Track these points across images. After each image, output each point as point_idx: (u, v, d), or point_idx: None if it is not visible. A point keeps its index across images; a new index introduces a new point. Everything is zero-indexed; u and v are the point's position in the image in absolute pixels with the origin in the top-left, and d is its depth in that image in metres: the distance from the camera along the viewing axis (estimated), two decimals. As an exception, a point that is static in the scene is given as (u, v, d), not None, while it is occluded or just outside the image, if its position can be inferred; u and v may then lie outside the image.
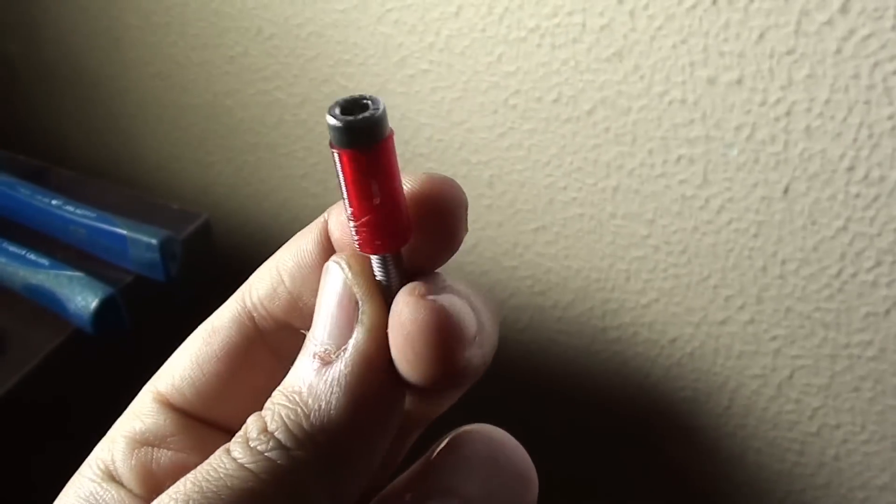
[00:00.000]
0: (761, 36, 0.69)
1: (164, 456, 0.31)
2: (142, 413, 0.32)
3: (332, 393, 0.27)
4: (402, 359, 0.27)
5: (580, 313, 0.92)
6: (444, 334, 0.26)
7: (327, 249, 0.31)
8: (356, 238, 0.27)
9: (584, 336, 0.94)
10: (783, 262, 0.78)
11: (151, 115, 1.08)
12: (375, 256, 0.28)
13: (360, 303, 0.28)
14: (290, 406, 0.28)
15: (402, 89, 0.88)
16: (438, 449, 0.34)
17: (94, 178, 0.94)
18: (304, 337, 0.31)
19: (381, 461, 0.29)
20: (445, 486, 0.30)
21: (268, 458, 0.27)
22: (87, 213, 0.80)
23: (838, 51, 0.67)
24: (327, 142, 0.26)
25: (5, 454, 0.71)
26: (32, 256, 0.77)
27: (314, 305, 0.30)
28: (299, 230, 0.32)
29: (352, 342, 0.28)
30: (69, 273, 0.74)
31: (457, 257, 0.90)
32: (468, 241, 0.92)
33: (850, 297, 0.77)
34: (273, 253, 0.33)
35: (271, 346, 0.33)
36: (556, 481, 1.08)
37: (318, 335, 0.28)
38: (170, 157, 1.10)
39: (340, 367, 0.27)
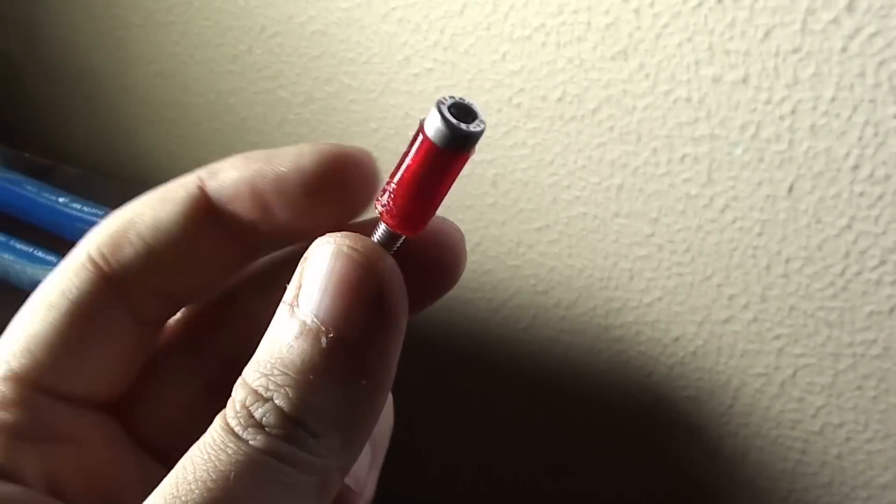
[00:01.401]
0: (767, 34, 0.69)
1: (62, 453, 0.29)
2: (6, 402, 0.29)
3: (351, 374, 0.26)
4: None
5: (583, 312, 0.92)
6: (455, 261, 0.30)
7: (203, 215, 0.30)
8: (389, 209, 0.28)
9: (587, 335, 0.94)
10: (787, 261, 0.78)
11: (154, 113, 1.08)
12: (385, 231, 0.29)
13: (391, 297, 0.27)
14: (306, 389, 0.26)
15: (406, 88, 0.88)
16: None
17: (100, 176, 0.94)
18: (165, 300, 0.31)
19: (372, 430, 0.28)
20: None
21: (290, 442, 0.25)
22: (95, 210, 0.80)
23: (844, 49, 0.67)
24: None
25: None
26: (40, 254, 0.76)
27: (184, 272, 0.30)
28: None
29: (379, 332, 0.27)
30: (77, 270, 0.74)
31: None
32: (471, 239, 0.92)
33: (854, 296, 0.77)
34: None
35: (130, 308, 0.31)
36: (557, 479, 1.08)
37: (307, 306, 0.26)
38: (172, 156, 1.10)
39: (364, 354, 0.26)
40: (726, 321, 0.85)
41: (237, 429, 0.25)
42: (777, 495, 0.93)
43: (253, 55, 0.95)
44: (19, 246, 0.78)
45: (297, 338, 0.26)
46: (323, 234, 0.28)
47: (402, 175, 0.28)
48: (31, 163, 0.93)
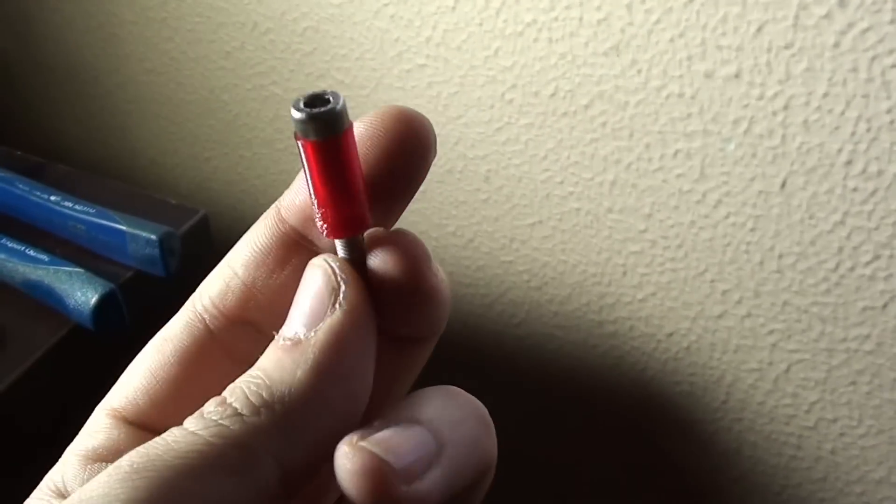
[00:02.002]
0: (759, 30, 0.69)
1: None
2: (94, 430, 0.31)
3: (298, 367, 0.27)
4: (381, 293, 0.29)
5: (576, 308, 0.92)
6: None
7: (280, 235, 0.31)
8: (323, 224, 0.29)
9: (580, 331, 0.94)
10: (780, 257, 0.78)
11: (147, 110, 1.08)
12: (340, 242, 0.29)
13: (340, 286, 0.28)
14: (252, 380, 0.28)
15: (398, 84, 0.87)
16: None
17: (92, 174, 0.94)
18: (260, 335, 0.31)
19: (346, 431, 0.28)
20: (408, 416, 0.28)
21: (220, 424, 0.26)
22: (86, 208, 0.80)
23: (836, 45, 0.67)
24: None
25: (5, 449, 0.71)
26: (32, 252, 0.76)
27: (269, 293, 0.31)
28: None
29: (326, 321, 0.28)
30: (69, 269, 0.74)
31: (453, 251, 0.91)
32: (465, 235, 0.92)
33: (847, 292, 0.77)
34: None
35: (225, 347, 0.32)
36: (552, 474, 1.08)
37: (291, 325, 0.28)
38: (165, 152, 1.10)
39: (311, 345, 0.27)
40: (720, 317, 0.85)
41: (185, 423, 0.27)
42: (771, 490, 0.93)
43: (245, 52, 0.95)
44: (11, 244, 0.77)
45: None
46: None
47: (314, 190, 0.28)
48: (23, 161, 0.93)
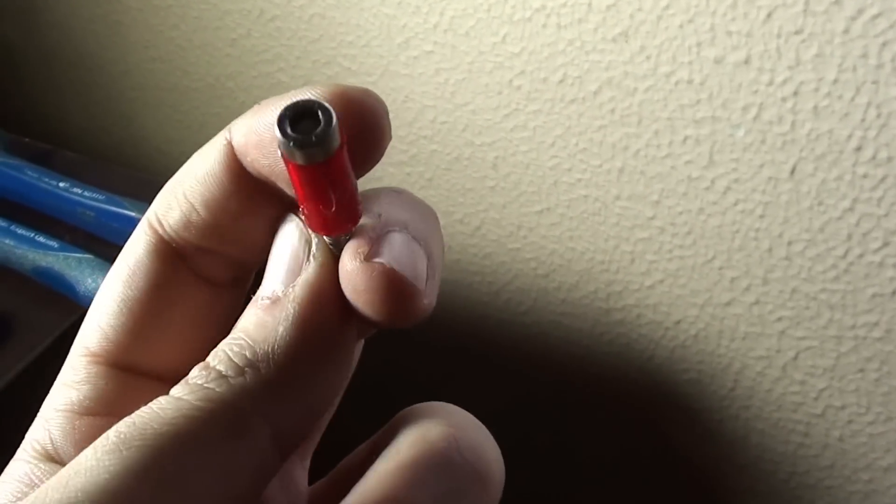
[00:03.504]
0: (769, 15, 0.69)
1: (111, 424, 0.26)
2: (76, 380, 0.30)
3: (279, 324, 0.27)
4: (361, 308, 0.27)
5: (584, 295, 0.92)
6: (399, 293, 0.27)
7: (235, 170, 0.29)
8: (307, 220, 0.28)
9: (587, 318, 0.94)
10: (789, 244, 0.78)
11: (152, 98, 1.08)
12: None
13: (312, 243, 0.28)
14: (234, 342, 0.27)
15: (405, 71, 0.87)
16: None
17: (101, 161, 0.94)
18: (227, 259, 0.31)
19: (332, 397, 0.28)
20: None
21: (205, 388, 0.26)
22: (95, 195, 0.80)
23: (847, 30, 0.67)
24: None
25: (16, 436, 0.71)
26: (41, 239, 0.76)
27: (234, 230, 0.30)
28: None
29: (302, 276, 0.27)
30: (78, 255, 0.74)
31: (460, 239, 0.91)
32: (472, 222, 0.92)
33: (856, 279, 0.77)
34: None
35: (196, 270, 0.30)
36: (558, 464, 1.08)
37: (269, 284, 0.28)
38: (171, 140, 1.10)
39: (289, 300, 0.27)
40: (728, 304, 0.85)
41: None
42: (778, 478, 0.93)
43: (252, 39, 0.95)
44: (20, 231, 0.77)
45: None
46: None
47: (303, 203, 0.27)
48: (31, 148, 0.93)
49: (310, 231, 0.28)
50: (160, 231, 0.30)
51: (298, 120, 0.25)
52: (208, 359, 0.27)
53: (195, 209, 0.30)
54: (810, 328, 0.82)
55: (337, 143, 0.25)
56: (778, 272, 0.80)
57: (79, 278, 0.73)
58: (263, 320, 0.27)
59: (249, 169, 0.29)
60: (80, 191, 0.80)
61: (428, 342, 1.03)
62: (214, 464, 0.25)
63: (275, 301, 0.27)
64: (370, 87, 0.81)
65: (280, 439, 0.26)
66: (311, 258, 0.28)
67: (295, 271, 0.28)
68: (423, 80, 0.87)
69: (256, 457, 0.26)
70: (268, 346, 0.26)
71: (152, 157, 1.13)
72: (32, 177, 0.83)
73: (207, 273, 0.31)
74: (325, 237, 0.28)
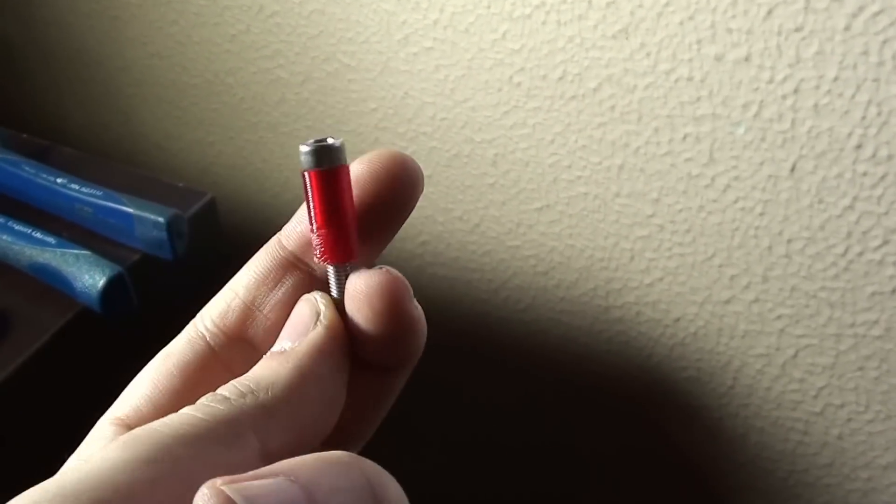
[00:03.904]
0: (769, 13, 0.69)
1: None
2: (97, 439, 0.33)
3: (282, 367, 0.32)
4: (362, 319, 0.33)
5: (583, 293, 0.92)
6: (396, 290, 0.33)
7: (280, 259, 0.35)
8: (319, 249, 0.34)
9: (587, 316, 0.93)
10: (789, 241, 0.78)
11: (151, 94, 1.08)
12: (331, 268, 0.34)
13: (321, 309, 0.34)
14: (243, 378, 0.32)
15: (405, 67, 0.87)
16: None
17: (99, 157, 0.94)
18: (257, 351, 0.35)
19: (321, 428, 0.32)
20: (282, 469, 0.29)
21: (209, 406, 0.30)
22: (93, 191, 0.80)
23: (847, 28, 0.67)
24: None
25: (13, 432, 0.71)
26: (39, 235, 0.76)
27: (267, 310, 0.35)
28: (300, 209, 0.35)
29: (309, 335, 0.33)
30: (76, 251, 0.74)
31: (459, 236, 0.90)
32: (471, 220, 0.91)
33: (856, 277, 0.77)
34: (275, 231, 0.36)
35: (223, 362, 0.35)
36: (557, 459, 1.08)
37: (280, 343, 0.34)
38: (170, 136, 1.10)
39: (295, 351, 0.32)
40: (727, 302, 0.84)
41: None
42: (777, 476, 0.93)
43: (251, 35, 0.95)
44: (18, 227, 0.77)
45: None
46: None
47: (314, 215, 0.33)
48: (28, 143, 0.92)
49: (320, 298, 0.34)
50: (199, 325, 0.35)
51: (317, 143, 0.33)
52: (218, 389, 0.31)
53: (237, 294, 0.35)
54: (810, 326, 0.82)
55: (342, 160, 0.33)
56: (777, 270, 0.80)
57: (76, 274, 0.72)
58: (270, 365, 0.32)
59: (290, 255, 0.36)
60: (77, 187, 0.80)
61: (427, 340, 1.02)
62: (208, 462, 0.28)
63: (282, 353, 0.32)
64: (369, 83, 0.81)
65: (269, 456, 0.30)
66: (319, 322, 0.33)
67: (303, 333, 0.33)
68: (422, 76, 0.87)
69: (245, 464, 0.29)
70: (269, 382, 0.31)
71: (151, 153, 1.12)
72: (30, 173, 0.82)
73: (234, 366, 0.35)
74: (330, 273, 0.34)
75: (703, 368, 0.90)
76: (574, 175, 0.84)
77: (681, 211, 0.81)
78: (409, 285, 0.33)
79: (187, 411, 0.30)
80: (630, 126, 0.79)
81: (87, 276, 0.72)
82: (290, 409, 0.31)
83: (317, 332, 0.33)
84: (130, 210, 0.77)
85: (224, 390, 0.31)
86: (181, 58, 1.02)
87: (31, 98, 1.18)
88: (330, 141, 0.33)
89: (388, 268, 0.33)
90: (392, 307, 0.33)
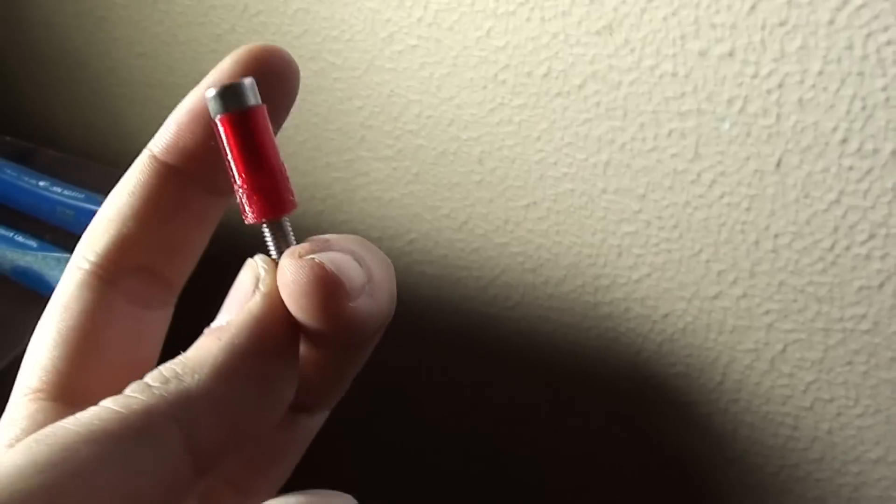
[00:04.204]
0: (753, 7, 0.68)
1: None
2: (14, 419, 0.30)
3: (214, 345, 0.27)
4: (293, 311, 0.28)
5: (571, 289, 0.92)
6: (324, 288, 0.27)
7: (166, 179, 0.31)
8: (248, 207, 0.29)
9: (575, 312, 0.93)
10: (776, 236, 0.78)
11: (138, 94, 1.07)
12: (266, 227, 0.30)
13: (260, 273, 0.29)
14: (172, 361, 0.27)
15: (390, 65, 0.87)
16: None
17: (81, 159, 0.94)
18: (156, 276, 0.32)
19: (258, 426, 0.28)
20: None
21: (128, 396, 0.26)
22: (75, 194, 0.80)
23: (831, 21, 0.66)
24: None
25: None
26: (20, 238, 0.76)
27: (163, 238, 0.31)
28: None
29: (246, 305, 0.28)
30: (58, 255, 0.74)
31: (447, 234, 0.90)
32: (459, 217, 0.91)
33: (843, 271, 0.77)
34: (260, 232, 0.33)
35: (126, 296, 0.31)
36: (547, 456, 1.08)
37: (220, 317, 0.29)
38: (157, 136, 1.09)
39: (230, 326, 0.28)
40: (715, 297, 0.84)
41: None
42: (768, 471, 0.93)
43: (236, 34, 0.95)
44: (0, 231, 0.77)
45: None
46: None
47: (235, 168, 0.29)
48: (11, 146, 0.92)
49: (260, 262, 0.29)
50: (86, 266, 0.31)
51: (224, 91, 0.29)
52: (146, 375, 0.27)
53: (123, 225, 0.31)
54: (798, 321, 0.82)
55: (255, 100, 0.29)
56: (765, 265, 0.80)
57: (58, 278, 0.72)
58: (203, 343, 0.27)
59: (178, 160, 0.31)
60: (59, 189, 0.80)
61: (415, 337, 1.02)
62: (120, 462, 0.25)
63: (218, 328, 0.28)
64: (355, 82, 0.81)
65: (197, 453, 0.26)
66: (257, 290, 0.28)
67: (243, 303, 0.28)
68: (407, 74, 0.86)
69: (166, 461, 0.26)
70: (198, 363, 0.27)
71: (138, 153, 1.12)
72: (12, 176, 0.82)
73: (137, 295, 0.32)
74: (266, 232, 0.30)
75: (692, 364, 0.90)
76: (560, 172, 0.84)
77: (667, 207, 0.81)
78: (349, 278, 0.27)
79: (105, 403, 0.26)
80: (615, 122, 0.79)
81: (68, 280, 0.72)
82: (220, 395, 0.27)
83: (254, 303, 0.28)
84: (113, 212, 0.77)
85: (149, 377, 0.27)
86: (167, 58, 1.02)
87: (17, 99, 1.17)
88: (239, 83, 0.29)
89: (322, 259, 0.27)
90: (323, 308, 0.27)
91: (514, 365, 1.01)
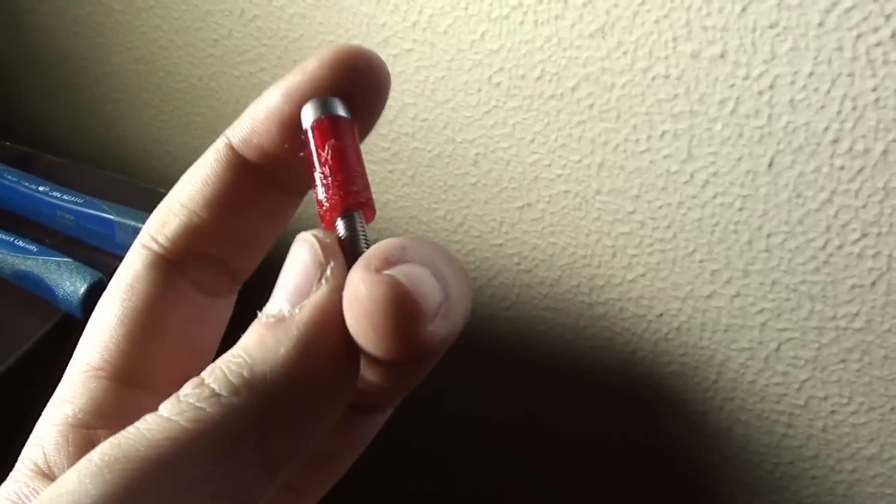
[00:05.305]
0: (744, 9, 0.69)
1: (105, 437, 0.25)
2: (72, 395, 0.29)
3: (280, 344, 0.25)
4: (360, 333, 0.25)
5: (567, 290, 0.92)
6: (402, 310, 0.24)
7: (240, 172, 0.30)
8: (325, 195, 0.28)
9: (570, 313, 0.94)
10: (769, 236, 0.78)
11: (136, 99, 1.08)
12: (341, 220, 0.28)
13: (329, 262, 0.26)
14: (233, 359, 0.25)
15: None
16: None
17: (80, 164, 0.94)
18: (225, 266, 0.31)
19: (326, 429, 0.26)
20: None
21: (196, 408, 0.24)
22: (75, 198, 0.80)
23: (821, 23, 0.67)
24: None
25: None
26: (20, 243, 0.76)
27: (234, 229, 0.31)
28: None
29: (311, 298, 0.26)
30: (57, 259, 0.74)
31: (443, 236, 0.91)
32: (454, 219, 0.92)
33: (835, 270, 0.78)
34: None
35: (192, 281, 0.31)
36: (543, 455, 1.09)
37: (275, 303, 0.26)
38: (155, 140, 1.10)
39: (295, 322, 0.25)
40: (709, 297, 0.85)
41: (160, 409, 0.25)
42: (763, 468, 0.93)
43: (233, 39, 0.95)
44: (0, 235, 0.78)
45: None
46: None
47: (321, 172, 0.28)
48: (11, 151, 0.93)
49: (324, 246, 0.27)
50: (155, 247, 0.30)
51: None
52: (203, 374, 0.25)
53: (196, 213, 0.30)
54: (791, 320, 0.82)
55: (345, 111, 0.29)
56: (758, 264, 0.80)
57: (58, 282, 0.73)
58: (265, 339, 0.25)
59: (253, 155, 0.30)
60: (59, 194, 0.80)
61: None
62: (198, 491, 0.24)
63: (279, 320, 0.25)
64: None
65: (269, 464, 0.25)
66: (324, 280, 0.26)
67: (303, 292, 0.26)
68: (403, 77, 0.87)
69: (244, 483, 0.24)
70: (266, 367, 0.25)
71: (137, 157, 1.13)
72: (12, 181, 0.83)
73: (203, 283, 0.31)
74: (340, 226, 0.28)
75: (687, 363, 0.90)
76: (555, 173, 0.85)
77: (661, 207, 0.81)
78: (426, 301, 0.25)
79: (167, 414, 0.24)
80: (609, 124, 0.79)
81: (68, 283, 0.73)
82: (296, 402, 0.25)
83: (322, 297, 0.25)
84: (111, 217, 0.78)
85: (212, 380, 0.25)
86: (165, 62, 1.02)
87: (16, 104, 1.18)
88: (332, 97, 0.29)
89: (399, 276, 0.24)
90: (394, 332, 0.24)
91: (509, 365, 1.02)
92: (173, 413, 0.24)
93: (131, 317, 0.30)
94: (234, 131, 0.30)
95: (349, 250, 0.27)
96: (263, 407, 0.24)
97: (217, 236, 0.31)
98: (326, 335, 0.25)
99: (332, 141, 0.28)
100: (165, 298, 0.30)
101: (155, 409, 0.25)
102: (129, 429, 0.24)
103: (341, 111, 0.29)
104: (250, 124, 0.30)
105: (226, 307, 0.33)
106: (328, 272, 0.26)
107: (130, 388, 0.30)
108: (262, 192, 0.31)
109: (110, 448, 0.24)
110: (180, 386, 0.26)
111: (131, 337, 0.30)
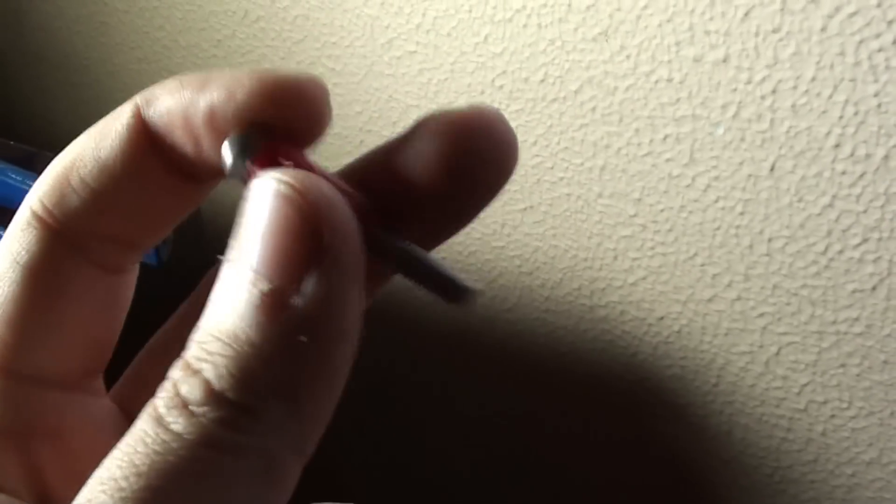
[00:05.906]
0: (747, 14, 0.69)
1: (44, 447, 0.24)
2: None
3: (296, 334, 0.21)
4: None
5: (568, 292, 0.92)
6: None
7: (145, 146, 0.27)
8: None
9: (571, 315, 0.94)
10: (770, 240, 0.79)
11: (138, 99, 1.08)
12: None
13: (329, 232, 0.22)
14: (236, 356, 0.21)
15: (389, 71, 0.88)
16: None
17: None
18: (126, 244, 0.28)
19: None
20: None
21: (236, 437, 0.21)
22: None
23: (824, 28, 0.67)
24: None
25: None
26: (22, 241, 0.76)
27: (139, 209, 0.27)
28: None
29: (321, 282, 0.22)
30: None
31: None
32: (456, 221, 0.92)
33: (836, 274, 0.78)
34: None
35: (96, 259, 0.27)
36: (543, 458, 1.09)
37: (262, 269, 0.22)
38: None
39: (309, 315, 0.21)
40: (710, 300, 0.85)
41: (162, 410, 0.21)
42: (762, 472, 0.93)
43: (236, 40, 0.95)
44: (2, 234, 0.78)
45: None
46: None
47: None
48: (14, 150, 0.93)
49: (312, 199, 0.22)
50: (48, 219, 0.26)
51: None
52: (207, 376, 0.21)
53: (97, 192, 0.26)
54: (792, 324, 0.82)
55: (253, 152, 0.25)
56: (759, 268, 0.81)
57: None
58: (271, 333, 0.21)
59: (167, 146, 0.27)
60: (63, 193, 0.81)
61: (413, 340, 1.03)
62: None
63: (282, 305, 0.21)
64: (354, 87, 0.81)
65: (307, 459, 0.22)
66: (331, 261, 0.22)
67: (295, 254, 0.22)
68: (406, 80, 0.87)
69: (290, 487, 0.22)
70: (292, 372, 0.21)
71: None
72: (16, 180, 0.83)
73: (106, 261, 0.28)
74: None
75: (687, 366, 0.90)
76: (557, 176, 0.85)
77: (662, 211, 0.82)
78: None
79: (184, 429, 0.21)
80: (611, 127, 0.79)
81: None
82: (323, 399, 0.22)
83: (336, 281, 0.22)
84: (115, 216, 0.78)
85: (231, 391, 0.21)
86: (168, 62, 1.02)
87: (19, 103, 1.18)
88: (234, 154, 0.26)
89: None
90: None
91: (510, 367, 1.02)
92: (187, 430, 0.21)
93: (14, 300, 0.26)
94: (151, 107, 0.27)
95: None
96: (300, 414, 0.22)
97: (124, 217, 0.27)
98: (342, 322, 0.22)
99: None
100: (66, 280, 0.27)
101: (57, 402, 0.24)
102: (140, 442, 0.21)
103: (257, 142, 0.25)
104: (179, 114, 0.26)
105: (130, 281, 0.29)
106: (332, 239, 0.22)
107: (27, 382, 0.27)
108: (172, 180, 0.27)
109: (126, 468, 0.21)
110: (83, 375, 0.25)
111: (24, 329, 0.26)
